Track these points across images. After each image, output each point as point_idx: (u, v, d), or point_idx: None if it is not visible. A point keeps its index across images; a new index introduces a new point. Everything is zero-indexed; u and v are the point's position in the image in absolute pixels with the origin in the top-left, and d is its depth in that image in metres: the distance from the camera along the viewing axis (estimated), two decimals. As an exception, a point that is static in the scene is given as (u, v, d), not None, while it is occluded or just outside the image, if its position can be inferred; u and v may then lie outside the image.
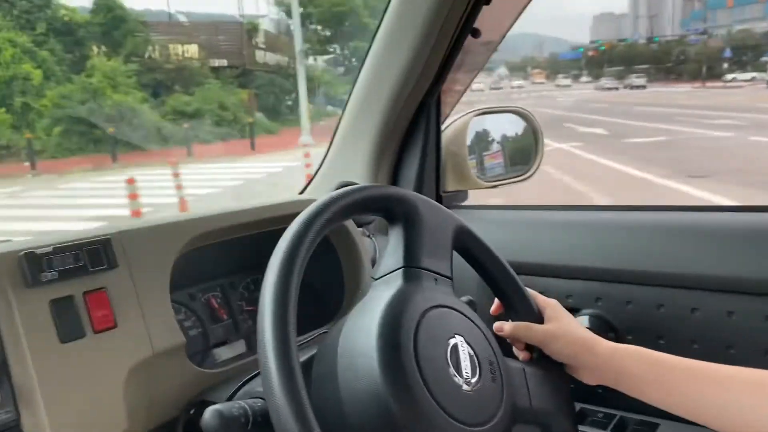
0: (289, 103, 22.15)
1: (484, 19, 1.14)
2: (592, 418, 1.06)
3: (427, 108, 1.26)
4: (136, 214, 5.92)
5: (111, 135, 14.57)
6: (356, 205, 0.68)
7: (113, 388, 0.73)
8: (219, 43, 20.69)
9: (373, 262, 1.09)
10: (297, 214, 0.63)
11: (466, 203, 1.42)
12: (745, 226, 1.01)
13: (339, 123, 1.32)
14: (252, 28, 21.72)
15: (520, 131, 1.42)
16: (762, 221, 1.01)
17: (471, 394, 0.63)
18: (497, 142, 1.43)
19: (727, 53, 49.15)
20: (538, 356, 0.79)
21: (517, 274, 0.81)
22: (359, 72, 1.24)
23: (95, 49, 18.44)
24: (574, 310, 1.09)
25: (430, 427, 0.58)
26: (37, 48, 16.52)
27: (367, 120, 1.26)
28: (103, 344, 0.73)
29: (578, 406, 1.06)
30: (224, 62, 20.50)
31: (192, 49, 19.91)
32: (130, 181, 5.99)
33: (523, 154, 1.43)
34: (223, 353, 0.97)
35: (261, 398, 0.63)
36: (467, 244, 0.77)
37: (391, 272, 0.69)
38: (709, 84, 43.48)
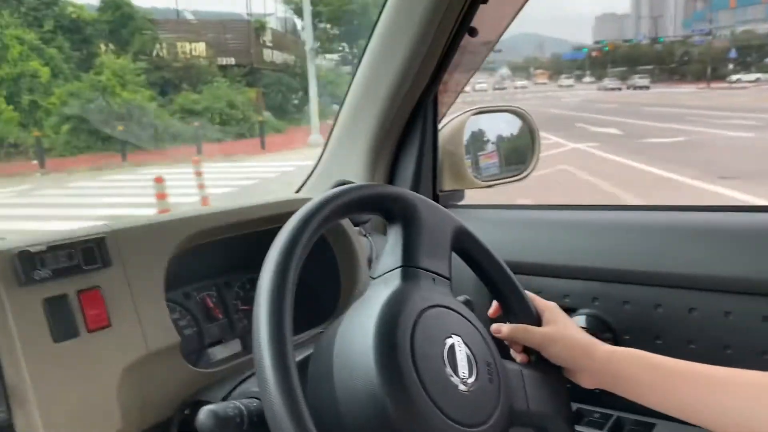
0: (296, 102, 22.06)
1: (481, 19, 1.14)
2: (589, 418, 1.06)
3: (424, 107, 1.25)
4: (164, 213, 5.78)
5: (120, 133, 14.45)
6: (354, 204, 0.68)
7: (107, 387, 0.72)
8: (227, 42, 20.59)
9: (370, 262, 1.08)
10: (293, 212, 0.63)
11: (462, 203, 1.41)
12: (743, 226, 1.01)
13: (335, 121, 1.31)
14: (260, 27, 21.61)
15: (517, 131, 1.42)
16: (760, 221, 1.01)
17: (467, 394, 0.62)
18: (492, 143, 1.43)
19: (733, 54, 49.04)
20: (536, 359, 0.78)
21: (514, 273, 0.81)
22: (356, 70, 1.23)
23: (103, 46, 18.32)
24: (571, 310, 1.09)
25: (426, 427, 0.57)
26: (44, 45, 16.40)
27: (363, 119, 1.25)
28: (97, 343, 0.72)
29: (575, 406, 1.03)
30: (232, 61, 20.39)
31: (200, 48, 19.81)
32: (158, 180, 5.86)
33: (518, 153, 1.42)
34: (219, 353, 0.96)
35: (256, 398, 0.62)
36: (466, 245, 0.77)
37: (389, 271, 0.68)
38: (713, 85, 43.39)
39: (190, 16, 23.02)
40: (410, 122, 1.27)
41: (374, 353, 0.58)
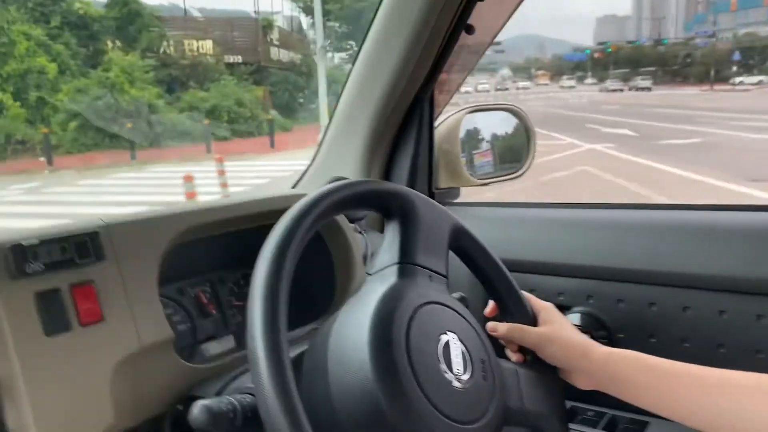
0: (301, 100, 21.95)
1: (478, 16, 1.14)
2: (583, 417, 1.06)
3: (421, 104, 1.25)
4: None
5: (129, 131, 14.31)
6: (352, 200, 0.67)
7: (99, 382, 0.72)
8: (234, 39, 20.48)
9: (365, 259, 1.08)
10: (288, 208, 0.62)
11: (458, 200, 1.42)
12: (737, 225, 1.01)
13: (331, 118, 1.30)
14: (267, 25, 21.51)
15: (512, 129, 1.42)
16: (754, 220, 1.01)
17: (461, 391, 0.62)
18: (486, 141, 1.43)
19: (737, 56, 48.98)
20: (532, 359, 0.78)
21: (509, 271, 0.81)
22: (352, 66, 1.23)
23: (109, 43, 18.18)
24: (565, 308, 1.09)
25: (420, 423, 0.57)
26: (51, 42, 16.26)
27: (360, 116, 1.24)
28: (89, 338, 0.71)
29: (569, 404, 1.02)
30: (239, 58, 20.28)
31: (207, 45, 19.70)
32: (188, 178, 5.70)
33: (513, 152, 1.42)
34: (212, 348, 0.94)
35: (250, 394, 0.62)
36: (463, 244, 0.77)
37: (385, 268, 0.68)
38: (716, 87, 43.37)
39: (197, 14, 22.89)
40: (406, 120, 1.26)
41: (369, 348, 0.58)
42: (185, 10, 22.07)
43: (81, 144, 14.65)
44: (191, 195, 5.70)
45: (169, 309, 0.91)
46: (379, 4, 1.14)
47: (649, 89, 45.44)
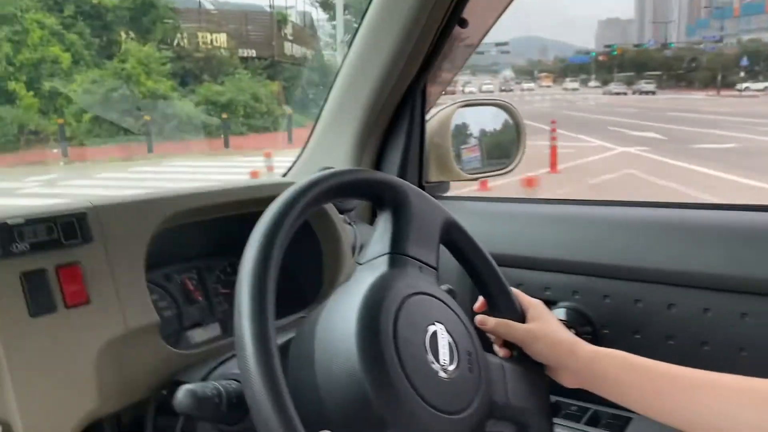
0: (311, 96, 21.69)
1: (472, 10, 1.14)
2: (566, 411, 1.07)
3: (413, 97, 1.25)
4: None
5: (145, 123, 13.98)
6: (344, 189, 0.67)
7: (84, 365, 0.71)
8: (248, 33, 20.18)
9: (354, 249, 1.08)
10: (277, 196, 0.62)
11: (448, 194, 1.41)
12: (722, 223, 1.02)
13: (322, 108, 1.30)
14: (281, 19, 21.19)
15: (501, 126, 1.42)
16: (739, 219, 1.02)
17: (447, 381, 0.62)
18: (474, 136, 1.43)
19: (744, 62, 48.90)
20: (518, 355, 0.78)
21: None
22: (345, 56, 1.22)
23: (123, 34, 17.81)
24: (551, 303, 1.09)
25: (406, 412, 0.57)
26: (65, 31, 15.89)
27: (351, 107, 1.24)
28: (75, 320, 0.71)
29: (553, 398, 1.03)
30: (253, 52, 19.96)
31: (221, 38, 19.36)
32: (268, 155, 5.37)
33: (502, 148, 1.43)
34: (198, 335, 0.94)
35: (236, 380, 0.61)
36: (454, 237, 0.77)
37: (376, 257, 0.68)
38: (723, 92, 43.29)
39: (211, 7, 22.54)
40: (398, 112, 1.27)
41: (356, 337, 0.58)
42: (199, 2, 21.69)
43: (95, 135, 14.31)
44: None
45: (155, 295, 0.90)
46: None
47: (653, 93, 45.70)
